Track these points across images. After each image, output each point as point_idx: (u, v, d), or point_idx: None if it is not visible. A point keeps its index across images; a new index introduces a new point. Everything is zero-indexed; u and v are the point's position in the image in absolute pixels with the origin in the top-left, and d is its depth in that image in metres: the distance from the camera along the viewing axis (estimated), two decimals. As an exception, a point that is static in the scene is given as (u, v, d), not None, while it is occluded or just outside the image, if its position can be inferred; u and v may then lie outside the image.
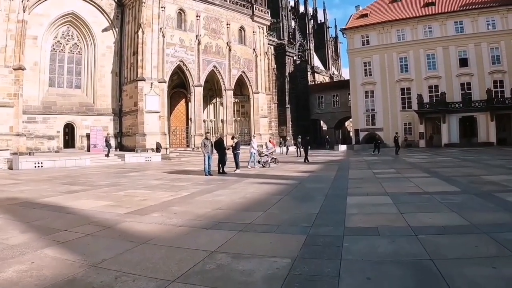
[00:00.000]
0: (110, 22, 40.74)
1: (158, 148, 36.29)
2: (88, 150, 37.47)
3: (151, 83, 38.41)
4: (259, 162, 23.16)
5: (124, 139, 40.11)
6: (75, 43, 39.69)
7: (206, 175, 17.68)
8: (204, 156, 18.41)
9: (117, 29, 41.19)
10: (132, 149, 37.33)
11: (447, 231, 6.39)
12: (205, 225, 7.21)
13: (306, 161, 26.54)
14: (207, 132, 20.63)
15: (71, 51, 39.40)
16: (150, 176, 18.50)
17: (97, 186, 14.21)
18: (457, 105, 48.42)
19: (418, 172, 17.69)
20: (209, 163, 18.09)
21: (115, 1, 40.99)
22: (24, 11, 31.35)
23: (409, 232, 6.38)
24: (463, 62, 50.22)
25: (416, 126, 51.13)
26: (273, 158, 24.45)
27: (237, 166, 19.90)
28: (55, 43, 38.32)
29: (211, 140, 20.26)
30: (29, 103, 34.78)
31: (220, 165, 19.02)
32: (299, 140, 38.70)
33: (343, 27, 59.14)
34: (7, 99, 30.19)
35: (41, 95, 36.24)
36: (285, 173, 18.69)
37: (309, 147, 28.82)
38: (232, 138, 22.62)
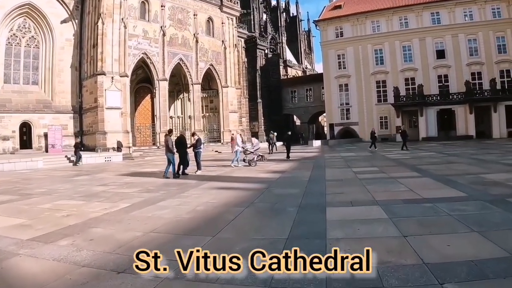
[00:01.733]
0: (70, 13, 38.16)
1: (119, 148, 34.00)
2: (46, 150, 35.01)
3: (112, 77, 35.98)
4: (244, 160, 21.45)
5: (85, 138, 37.67)
6: (32, 36, 37.04)
7: (165, 177, 16.05)
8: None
9: (77, 21, 38.63)
10: (93, 149, 35.03)
11: (485, 272, 4.36)
12: (119, 265, 5.08)
13: (288, 158, 25.28)
14: (170, 130, 17.86)
15: (27, 44, 36.77)
16: (98, 181, 16.70)
17: (28, 196, 12.31)
18: (434, 97, 47.72)
19: (405, 170, 15.98)
20: (171, 164, 16.45)
21: (74, -9, 37.97)
22: None
23: (430, 279, 4.22)
24: (440, 54, 49.39)
25: (392, 120, 50.07)
26: (259, 155, 22.48)
27: (198, 167, 18.15)
28: (11, 36, 35.69)
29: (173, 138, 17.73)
30: None
31: (181, 166, 17.13)
32: (271, 136, 36.59)
33: (316, 19, 57.28)
34: None
35: None
36: (253, 174, 16.89)
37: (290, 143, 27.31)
38: (193, 135, 20.39)
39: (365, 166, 18.51)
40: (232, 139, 39.04)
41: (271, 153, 33.06)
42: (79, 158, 28.41)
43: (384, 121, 51.65)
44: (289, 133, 29.36)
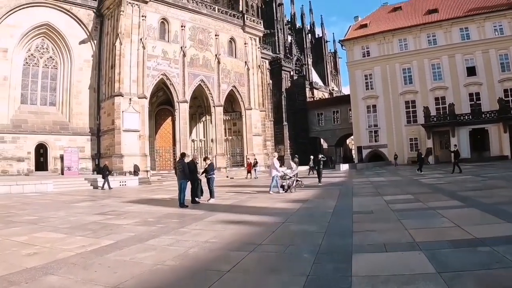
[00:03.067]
0: (88, 34, 37.69)
1: (135, 171, 32.58)
2: (62, 173, 33.98)
3: (130, 99, 35.00)
4: (282, 186, 19.10)
5: (102, 161, 36.04)
6: (50, 57, 36.60)
7: (181, 206, 14.38)
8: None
9: (95, 41, 38.06)
10: (111, 172, 33.04)
11: None
12: None
13: (318, 181, 23.65)
14: (183, 153, 16.18)
15: (45, 65, 36.26)
16: (98, 208, 15.21)
17: (10, 224, 10.99)
18: (466, 117, 45.11)
19: (444, 198, 13.66)
20: (182, 191, 14.76)
21: (93, 11, 38.07)
22: None
23: None
24: (471, 71, 46.99)
25: (423, 142, 47.49)
26: (297, 180, 20.30)
27: (211, 195, 16.31)
28: (28, 56, 35.31)
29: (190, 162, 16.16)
30: None
31: (192, 194, 15.50)
32: (296, 160, 34.71)
33: (342, 39, 55.63)
34: None
35: (11, 113, 33.04)
36: (270, 203, 14.96)
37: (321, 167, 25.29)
38: (205, 159, 18.38)
39: (397, 193, 16.34)
40: (248, 163, 37.73)
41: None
42: (106, 182, 27.10)
43: (414, 142, 49.21)
44: (321, 156, 27.36)
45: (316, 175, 25.16)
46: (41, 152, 34.64)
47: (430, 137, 45.76)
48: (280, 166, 37.65)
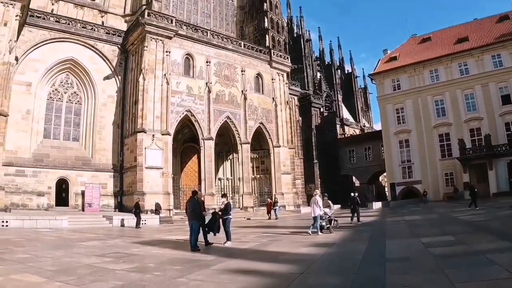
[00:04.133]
0: (113, 70, 37.65)
1: (157, 210, 31.35)
2: (83, 209, 32.98)
3: (153, 135, 34.20)
4: (320, 227, 17.64)
5: (125, 199, 35.55)
6: (75, 92, 36.48)
7: (193, 250, 12.92)
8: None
9: (120, 77, 37.96)
10: (130, 210, 32.05)
11: None
12: None
13: (357, 221, 23.23)
14: (194, 191, 14.81)
15: (69, 100, 36.11)
16: (101, 249, 13.95)
17: None
18: (504, 148, 42.43)
19: (490, 239, 11.92)
20: (193, 233, 13.38)
21: (118, 47, 38.15)
22: (10, 52, 27.93)
23: None
24: (506, 99, 44.47)
25: (459, 176, 44.95)
26: (335, 220, 19.03)
27: (227, 237, 14.77)
28: (53, 91, 35.29)
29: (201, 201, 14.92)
30: (19, 155, 31.46)
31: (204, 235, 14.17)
32: (326, 199, 32.91)
33: (371, 73, 54.37)
34: None
35: (33, 147, 32.71)
36: (292, 248, 13.43)
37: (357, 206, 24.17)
38: (223, 196, 16.75)
39: (436, 234, 14.47)
40: (268, 203, 35.71)
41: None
42: (139, 220, 26.33)
43: (449, 177, 46.61)
44: (356, 194, 25.63)
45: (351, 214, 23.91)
46: (63, 187, 33.94)
47: (466, 171, 43.32)
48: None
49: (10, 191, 29.61)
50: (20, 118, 31.60)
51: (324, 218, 17.99)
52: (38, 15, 33.73)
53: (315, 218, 17.43)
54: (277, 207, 34.54)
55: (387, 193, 56.71)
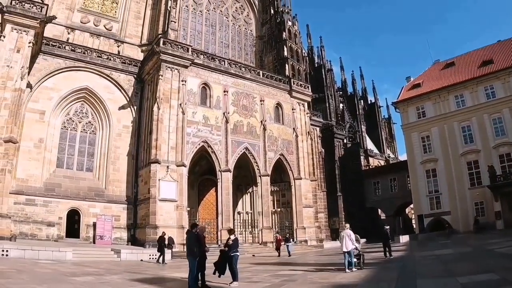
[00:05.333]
0: (128, 100, 37.47)
1: (169, 244, 29.85)
2: (94, 242, 32.20)
3: (167, 167, 33.36)
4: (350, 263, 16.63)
5: (138, 232, 34.56)
6: (89, 122, 36.30)
7: None
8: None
9: (135, 107, 37.70)
10: (142, 244, 31.75)
11: None
12: None
13: (389, 255, 22.33)
14: (194, 224, 13.75)
15: (84, 130, 35.86)
16: (91, 285, 13.12)
17: None
18: None
19: None
20: (191, 271, 12.29)
21: (134, 77, 38.08)
22: (22, 79, 28.23)
23: None
24: None
25: (490, 205, 42.37)
26: (362, 254, 17.93)
27: (234, 277, 13.54)
28: (67, 120, 35.16)
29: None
30: (30, 184, 31.03)
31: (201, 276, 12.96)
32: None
33: (395, 101, 52.85)
34: None
35: (45, 176, 32.24)
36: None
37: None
38: (230, 231, 15.53)
39: (474, 271, 12.56)
40: (277, 239, 34.04)
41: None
42: (162, 255, 25.35)
43: (480, 207, 44.06)
44: (388, 227, 24.28)
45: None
46: (76, 218, 33.24)
47: (497, 200, 40.86)
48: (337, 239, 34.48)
49: (19, 220, 29.28)
50: (32, 146, 31.35)
51: (354, 253, 16.97)
52: (53, 43, 34.09)
53: (347, 253, 16.45)
54: (290, 243, 32.73)
55: (414, 225, 54.47)
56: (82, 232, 32.87)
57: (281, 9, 50.77)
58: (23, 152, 30.72)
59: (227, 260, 13.90)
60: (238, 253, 14.25)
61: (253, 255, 32.43)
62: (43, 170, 32.01)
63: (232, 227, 35.77)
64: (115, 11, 41.24)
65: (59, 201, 31.91)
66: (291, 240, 33.89)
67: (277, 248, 32.56)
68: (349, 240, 16.57)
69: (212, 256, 14.80)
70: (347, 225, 18.39)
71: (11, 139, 26.81)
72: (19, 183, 30.09)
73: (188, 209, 36.07)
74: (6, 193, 26.52)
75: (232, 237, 14.68)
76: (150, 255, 27.25)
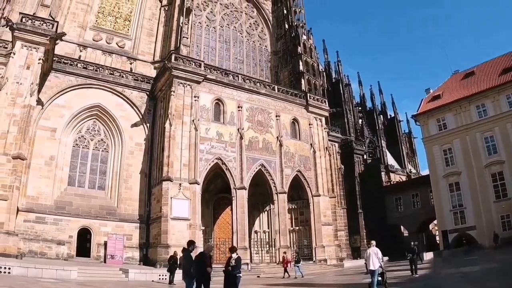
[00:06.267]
0: (141, 117, 36.96)
1: (181, 264, 28.64)
2: (105, 261, 31.39)
3: (180, 184, 32.41)
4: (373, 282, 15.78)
5: (150, 251, 33.53)
6: (102, 139, 35.82)
7: None
8: None
9: (148, 125, 37.10)
10: (154, 264, 30.75)
11: None
12: None
13: (415, 273, 21.72)
14: (191, 241, 12.77)
15: (96, 147, 35.40)
16: None
17: None
18: None
19: None
20: None
21: (146, 94, 37.74)
22: (31, 95, 28.31)
23: None
24: None
25: (516, 218, 40.55)
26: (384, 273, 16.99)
27: None
28: (79, 138, 34.80)
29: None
30: (40, 201, 30.57)
31: None
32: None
33: (415, 113, 51.31)
34: (1, 191, 25.67)
35: (55, 194, 31.78)
36: None
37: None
38: (231, 249, 14.53)
39: None
40: (283, 258, 32.54)
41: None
42: (172, 275, 24.38)
43: (506, 220, 42.03)
44: (416, 243, 23.18)
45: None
46: (88, 237, 32.63)
47: (525, 212, 39.06)
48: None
49: (28, 238, 28.84)
50: (43, 164, 31.05)
51: (378, 271, 16.15)
52: (65, 61, 34.11)
53: (373, 273, 15.63)
54: (299, 265, 31.12)
55: (438, 241, 52.40)
56: (93, 251, 32.15)
57: (295, 23, 50.30)
58: (33, 169, 30.51)
59: (231, 280, 12.89)
60: (241, 274, 13.25)
61: (258, 276, 31.21)
62: (53, 188, 31.60)
63: (247, 246, 34.84)
64: (128, 29, 41.56)
65: (69, 219, 31.37)
66: (301, 260, 32.04)
67: (285, 269, 30.99)
68: (376, 258, 15.88)
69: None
70: (373, 242, 17.28)
71: (19, 155, 26.72)
72: (29, 201, 29.74)
73: (203, 228, 35.19)
74: (14, 210, 26.32)
75: (234, 255, 13.69)
76: (160, 275, 26.10)
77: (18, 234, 26.88)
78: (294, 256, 32.68)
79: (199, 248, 29.54)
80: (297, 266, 30.03)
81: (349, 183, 55.46)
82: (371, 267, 15.73)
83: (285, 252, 34.49)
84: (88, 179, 34.27)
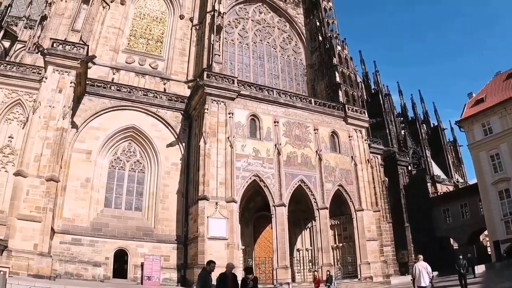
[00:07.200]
0: (176, 137, 36.20)
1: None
2: (142, 282, 30.52)
3: (216, 203, 30.95)
4: None
5: (188, 272, 32.00)
6: (137, 160, 35.35)
7: None
8: None
9: (184, 144, 36.23)
10: (191, 285, 29.25)
11: None
12: None
13: None
14: (210, 261, 11.35)
15: (132, 169, 34.97)
16: None
17: None
18: None
19: None
20: None
21: (181, 113, 37.03)
22: (63, 118, 28.51)
23: None
24: None
25: None
26: None
27: None
28: (115, 159, 34.53)
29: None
30: (76, 223, 30.56)
31: None
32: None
33: (458, 119, 48.36)
34: (35, 213, 25.99)
35: (92, 215, 31.60)
36: None
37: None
38: (247, 270, 13.79)
39: None
40: (315, 277, 30.25)
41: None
42: None
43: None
44: (468, 255, 21.60)
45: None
46: (125, 259, 32.04)
47: None
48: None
49: (64, 260, 28.76)
50: (79, 186, 31.06)
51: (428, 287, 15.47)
52: (98, 84, 34.15)
53: None
54: (334, 283, 28.92)
55: (490, 253, 48.87)
56: (129, 273, 31.50)
57: (329, 34, 48.41)
58: (69, 191, 30.56)
59: None
60: None
61: None
62: (90, 210, 31.42)
63: (288, 265, 32.87)
64: (160, 50, 41.60)
65: (106, 240, 30.98)
66: (333, 280, 29.81)
67: None
68: (426, 274, 15.13)
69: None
70: (421, 257, 16.08)
71: (52, 177, 26.84)
72: (65, 223, 29.82)
73: (243, 247, 33.80)
74: (47, 232, 26.17)
75: (251, 276, 12.40)
76: (195, 297, 24.79)
77: (54, 255, 27.04)
78: (327, 275, 30.57)
79: (239, 268, 28.21)
80: (328, 286, 28.09)
81: (394, 196, 52.63)
82: (421, 284, 15.01)
83: (316, 271, 32.49)
84: (124, 200, 33.76)
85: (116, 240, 31.35)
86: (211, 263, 11.82)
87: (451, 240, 58.57)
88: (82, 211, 30.93)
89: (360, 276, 36.36)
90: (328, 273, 30.22)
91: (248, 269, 13.99)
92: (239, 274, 22.75)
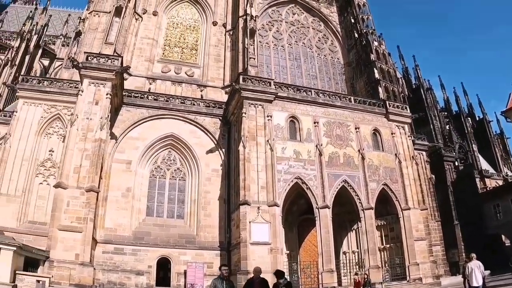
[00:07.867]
0: (216, 143, 35.54)
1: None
2: None
3: (258, 208, 29.95)
4: None
5: (232, 279, 30.75)
6: (178, 168, 34.98)
7: None
8: None
9: (223, 150, 35.54)
10: None
11: None
12: None
13: None
14: (222, 265, 11.88)
15: (173, 177, 34.63)
16: None
17: None
18: None
19: None
20: None
21: (219, 119, 36.31)
22: (101, 129, 28.64)
23: None
24: None
25: None
26: None
27: None
28: (155, 168, 34.32)
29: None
30: (118, 233, 30.62)
31: None
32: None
33: (504, 110, 45.45)
34: (76, 223, 26.32)
35: (134, 225, 31.52)
36: None
37: None
38: (277, 274, 12.74)
39: None
40: (355, 281, 29.11)
41: None
42: None
43: None
44: None
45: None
46: (168, 266, 31.69)
47: None
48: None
49: (107, 269, 28.86)
50: (120, 196, 31.08)
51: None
52: (135, 95, 34.10)
53: None
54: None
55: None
56: (172, 281, 31.03)
57: (364, 30, 46.73)
58: (110, 202, 30.66)
59: None
60: None
61: None
62: (131, 219, 31.37)
63: (333, 268, 31.44)
64: (195, 58, 41.65)
65: (148, 249, 30.78)
66: (371, 281, 28.27)
67: None
68: (479, 273, 14.65)
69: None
70: (474, 255, 15.24)
71: (92, 188, 27.05)
72: (107, 233, 29.93)
73: (287, 252, 32.65)
74: (88, 242, 26.22)
75: (282, 281, 11.60)
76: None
77: (97, 265, 27.44)
78: (364, 279, 29.05)
79: (286, 273, 27.08)
80: None
81: (441, 193, 49.96)
82: (474, 284, 14.54)
83: (356, 274, 31.00)
84: (166, 209, 33.46)
85: (158, 249, 31.07)
86: (225, 266, 10.96)
87: (503, 237, 55.08)
88: (124, 221, 30.89)
89: (409, 277, 34.39)
90: (365, 276, 28.83)
91: (278, 273, 12.85)
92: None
